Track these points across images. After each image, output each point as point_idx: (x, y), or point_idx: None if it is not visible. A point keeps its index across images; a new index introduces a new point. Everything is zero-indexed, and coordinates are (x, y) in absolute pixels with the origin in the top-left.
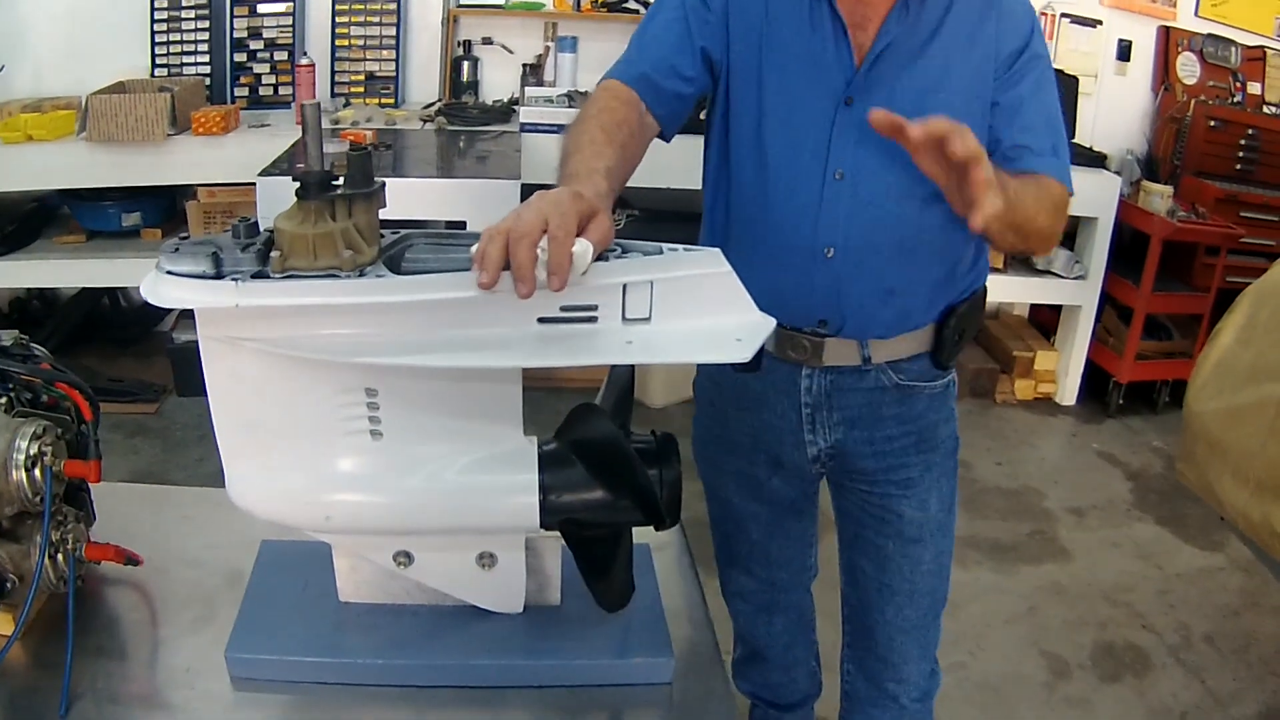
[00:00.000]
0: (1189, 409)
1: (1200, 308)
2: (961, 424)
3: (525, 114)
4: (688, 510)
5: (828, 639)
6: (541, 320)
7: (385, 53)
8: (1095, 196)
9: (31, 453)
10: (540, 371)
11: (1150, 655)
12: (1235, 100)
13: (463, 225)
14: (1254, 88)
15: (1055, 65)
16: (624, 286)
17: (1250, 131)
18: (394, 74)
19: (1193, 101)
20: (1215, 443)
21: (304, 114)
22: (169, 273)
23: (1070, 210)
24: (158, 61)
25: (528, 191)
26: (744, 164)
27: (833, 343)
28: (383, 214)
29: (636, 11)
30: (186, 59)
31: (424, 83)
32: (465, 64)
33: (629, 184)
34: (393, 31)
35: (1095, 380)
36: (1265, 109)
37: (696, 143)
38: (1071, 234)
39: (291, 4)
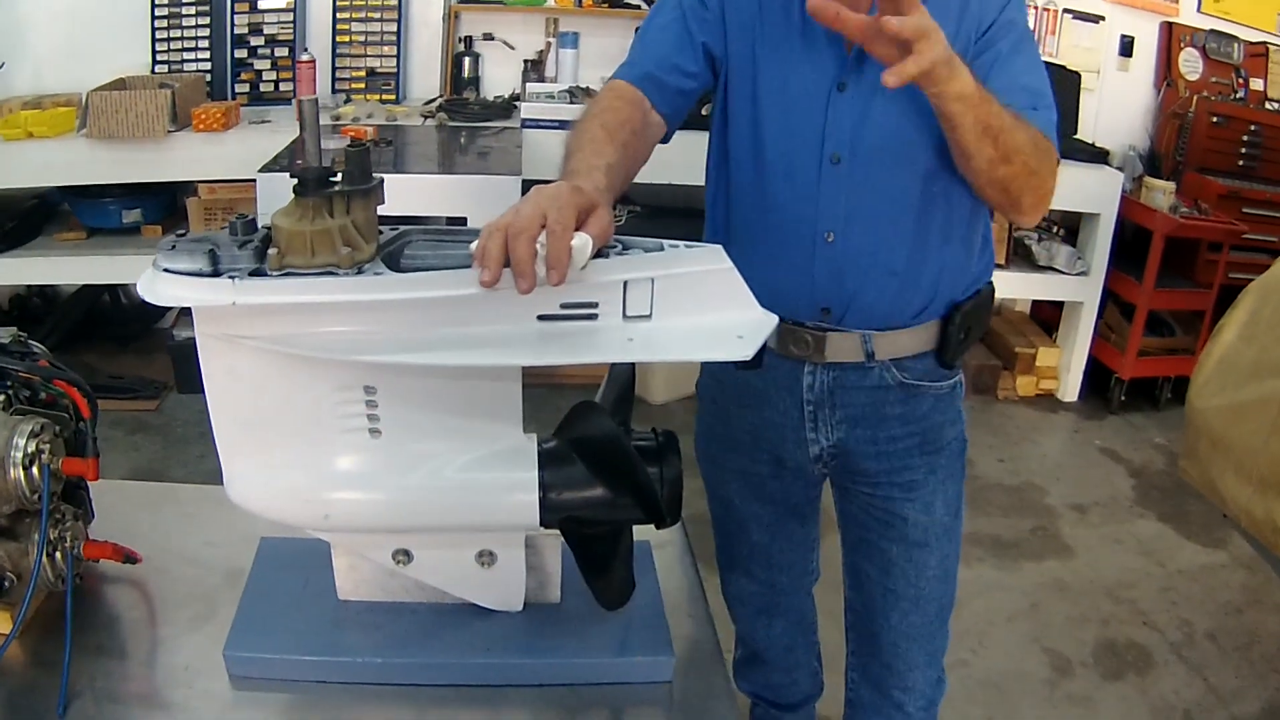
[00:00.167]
0: (1191, 406)
1: (1203, 304)
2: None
3: (526, 110)
4: (689, 508)
5: (831, 639)
6: (541, 318)
7: (386, 49)
8: (1097, 192)
9: (29, 450)
10: (541, 368)
11: (1152, 652)
12: (1238, 96)
13: (464, 221)
14: (1256, 84)
15: (1057, 61)
16: (625, 283)
17: (1253, 127)
18: (395, 70)
19: (1195, 97)
20: (1218, 439)
21: (301, 110)
22: (166, 270)
23: (1072, 206)
24: (158, 58)
25: (529, 187)
26: (742, 155)
27: (835, 337)
28: (383, 210)
29: (638, 7)
30: (187, 55)
31: (425, 79)
32: (466, 60)
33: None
34: (393, 27)
35: (1097, 377)
36: (1268, 105)
37: (699, 139)
38: (1074, 230)
39: (292, 0)
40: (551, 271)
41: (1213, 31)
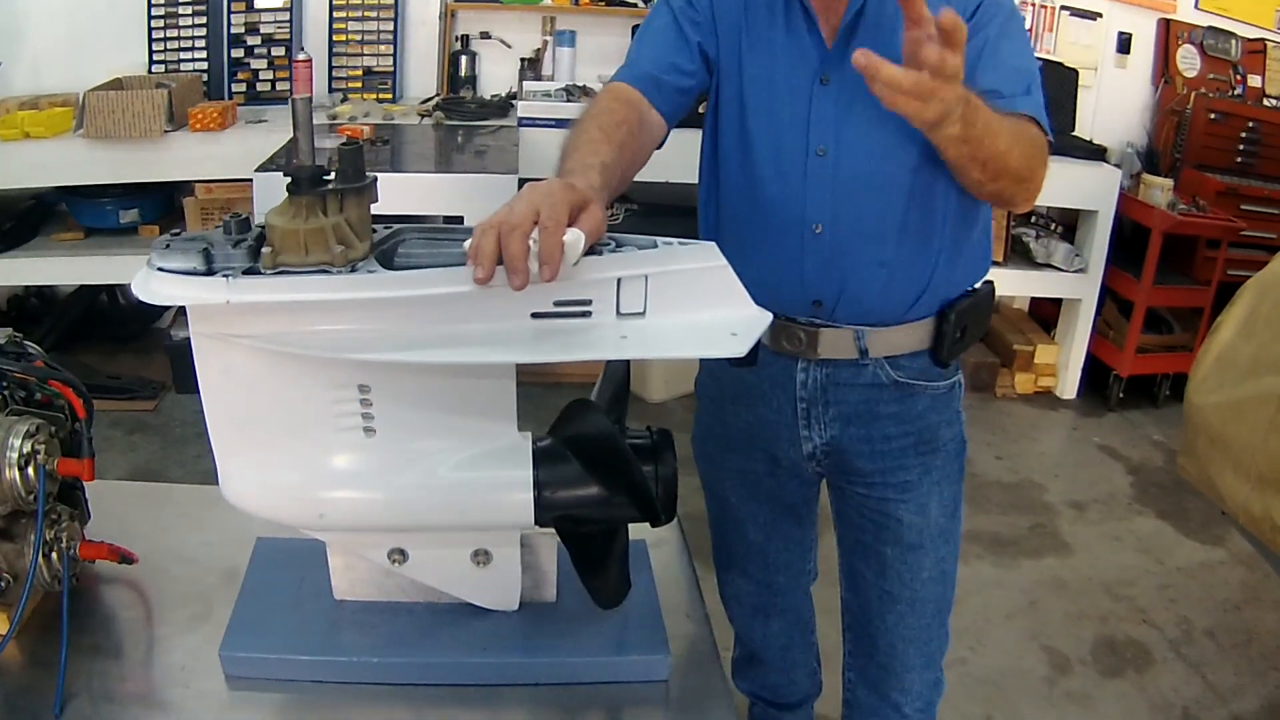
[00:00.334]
0: (1189, 403)
1: (1201, 301)
2: (965, 421)
3: (523, 108)
4: (685, 506)
5: (829, 638)
6: (535, 315)
7: (383, 48)
8: (1095, 190)
9: (25, 451)
10: (537, 366)
11: (1151, 650)
12: (1235, 93)
13: (460, 220)
14: (1254, 80)
15: (1055, 58)
16: (618, 281)
17: (1251, 124)
18: (392, 69)
19: (1193, 94)
20: (1216, 436)
21: (294, 109)
22: (160, 269)
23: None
24: (155, 58)
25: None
26: (731, 151)
27: (828, 333)
28: (380, 209)
29: (634, 5)
30: (184, 55)
31: (422, 78)
32: (463, 59)
33: None
34: (390, 26)
35: (1096, 374)
36: (1265, 102)
37: (695, 137)
38: (1072, 227)
39: (289, 0)
40: (544, 267)
41: (1210, 28)
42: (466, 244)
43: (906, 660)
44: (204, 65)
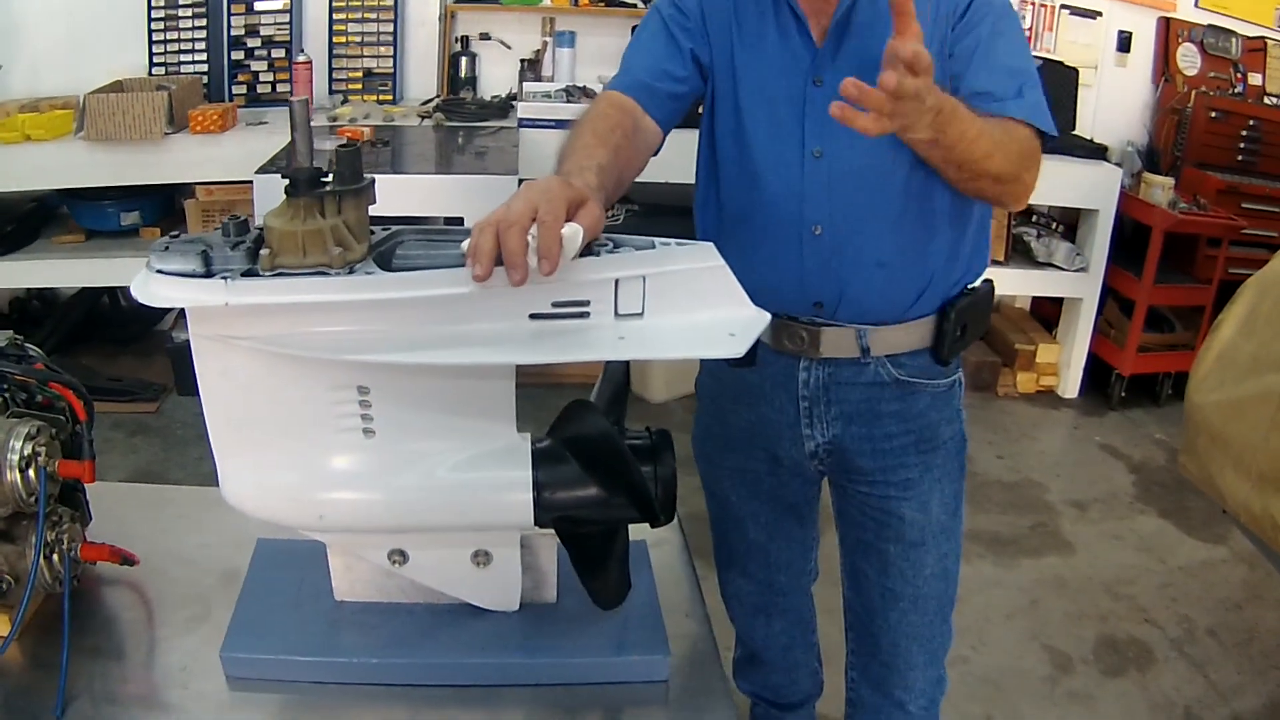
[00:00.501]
0: (1190, 401)
1: (1202, 299)
2: (966, 419)
3: (523, 109)
4: (686, 506)
5: (831, 637)
6: (533, 316)
7: (383, 49)
8: (1096, 188)
9: (26, 453)
10: (537, 367)
11: (1153, 649)
12: (1236, 91)
13: (460, 222)
14: (1255, 79)
15: (1055, 57)
16: (616, 281)
17: (1251, 122)
18: (392, 70)
19: (1193, 93)
20: (1217, 435)
21: (292, 111)
22: (159, 271)
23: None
24: (155, 60)
25: None
26: (730, 156)
27: (830, 332)
28: (381, 211)
29: (634, 5)
30: (184, 57)
31: (422, 79)
32: (463, 60)
33: None
34: (390, 28)
35: (1097, 373)
36: (1266, 100)
37: (695, 137)
38: (1073, 226)
39: (288, 1)
40: (543, 261)
41: (1210, 26)
42: (464, 244)
43: (910, 658)
44: (204, 67)
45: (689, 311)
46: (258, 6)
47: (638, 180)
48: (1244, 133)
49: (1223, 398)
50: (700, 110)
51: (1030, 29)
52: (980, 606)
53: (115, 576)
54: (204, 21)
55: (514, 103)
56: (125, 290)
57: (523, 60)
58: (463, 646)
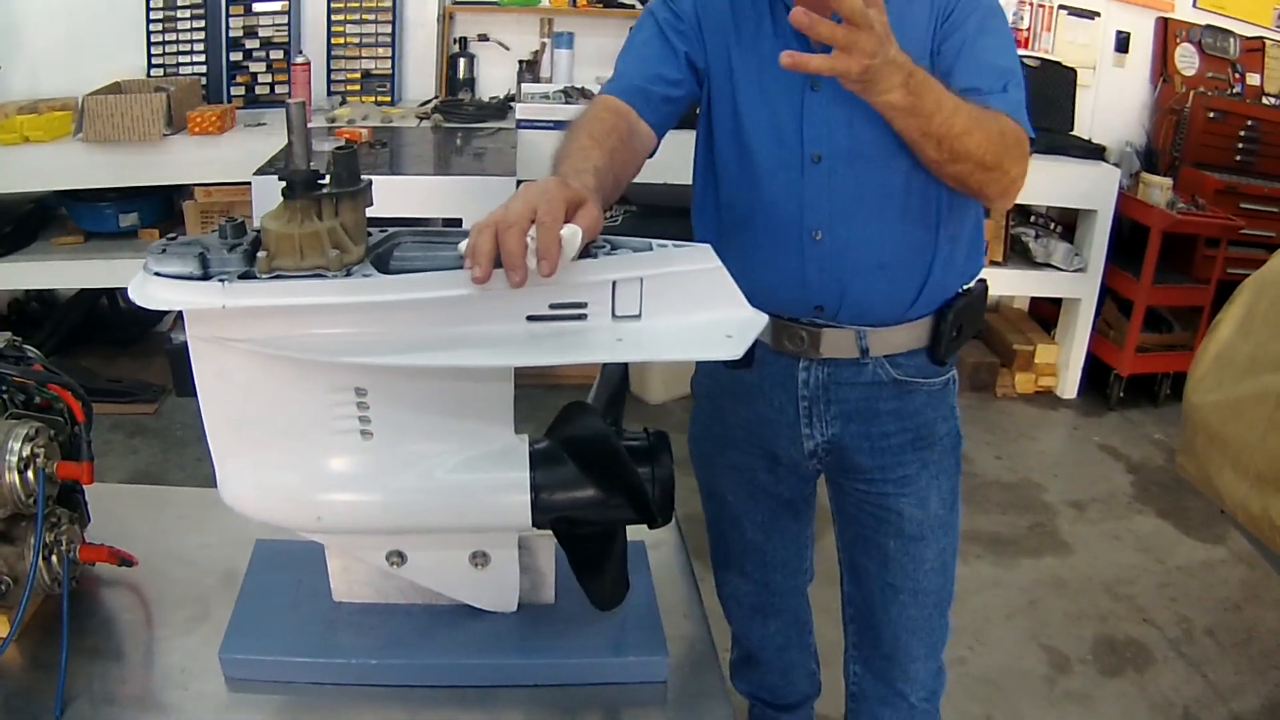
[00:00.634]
0: (1188, 401)
1: (1201, 300)
2: (962, 418)
3: (521, 110)
4: (684, 507)
5: (829, 637)
6: (531, 318)
7: (381, 50)
8: (1094, 189)
9: (24, 455)
10: (535, 369)
11: (1151, 649)
12: (1234, 91)
13: (459, 223)
14: (1253, 79)
15: (1053, 57)
16: (613, 283)
17: (1249, 123)
18: (390, 72)
19: (1191, 93)
20: (1215, 435)
21: (289, 113)
22: (156, 274)
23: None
24: (153, 61)
25: None
26: (729, 161)
27: (830, 333)
28: (379, 212)
29: (632, 7)
30: (182, 59)
31: (420, 80)
32: (461, 61)
33: None
34: (388, 29)
35: (1096, 373)
36: (1264, 100)
37: (693, 138)
38: (1071, 226)
39: (287, 3)
40: (542, 262)
41: (1209, 27)
42: (462, 245)
43: (910, 650)
44: (203, 69)
45: (686, 313)
46: (256, 8)
47: (636, 181)
48: (1242, 133)
49: (1220, 398)
50: (697, 111)
51: (1028, 29)
52: (979, 607)
53: (114, 577)
54: (202, 23)
55: (512, 104)
56: (124, 292)
57: (521, 61)
58: (461, 647)
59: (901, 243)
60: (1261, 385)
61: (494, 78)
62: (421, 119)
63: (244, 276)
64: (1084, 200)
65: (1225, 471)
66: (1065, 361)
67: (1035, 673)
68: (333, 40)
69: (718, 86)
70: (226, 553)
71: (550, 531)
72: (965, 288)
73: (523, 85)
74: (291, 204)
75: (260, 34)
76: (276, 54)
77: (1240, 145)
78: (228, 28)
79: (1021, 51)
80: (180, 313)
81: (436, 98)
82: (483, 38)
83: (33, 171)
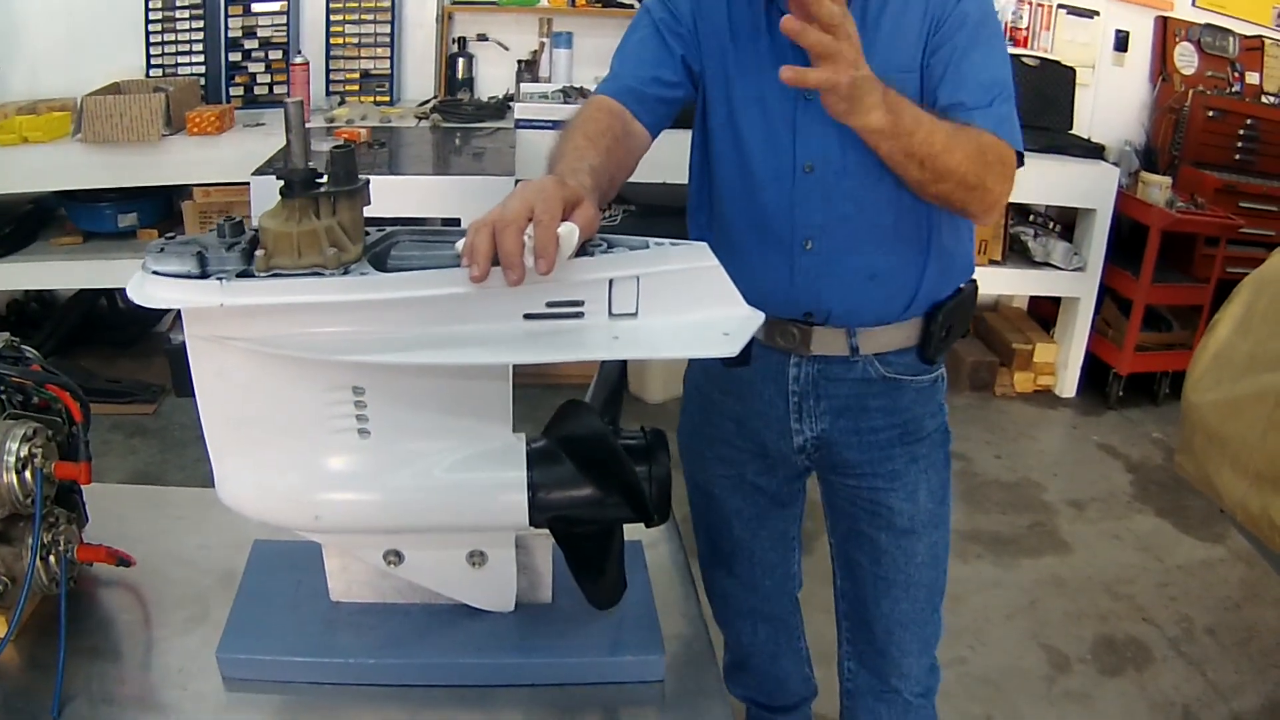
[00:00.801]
0: (1187, 400)
1: (1200, 298)
2: (961, 417)
3: (520, 110)
4: (682, 507)
5: (824, 637)
6: (528, 316)
7: (380, 50)
8: (1094, 188)
9: (22, 455)
10: (534, 368)
11: (1151, 648)
12: (1233, 90)
13: (457, 223)
14: (1252, 78)
15: (1052, 56)
16: (610, 281)
17: (1249, 121)
18: (389, 72)
19: (1191, 92)
20: (1214, 434)
21: (287, 112)
22: (155, 273)
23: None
24: (152, 62)
25: None
26: (726, 168)
27: (821, 331)
28: (378, 212)
29: (630, 6)
30: (181, 59)
31: (419, 80)
32: (460, 61)
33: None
34: (387, 29)
35: (1095, 372)
36: (1264, 99)
37: (689, 137)
38: (1070, 225)
39: (286, 3)
40: (540, 260)
41: (1208, 25)
42: (459, 244)
43: (903, 645)
44: (201, 69)
45: (683, 311)
46: (255, 8)
47: (634, 181)
48: (1241, 132)
49: (1219, 397)
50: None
51: (1027, 28)
52: (979, 606)
53: (112, 578)
54: (201, 23)
55: (511, 104)
56: (123, 292)
57: (520, 61)
58: (458, 647)
59: (892, 255)
60: (1260, 384)
61: (493, 77)
62: (420, 119)
63: (242, 275)
64: (1083, 199)
65: (1224, 470)
66: (1064, 360)
67: (1035, 672)
68: (331, 40)
69: (713, 91)
70: (225, 553)
71: (548, 530)
72: (956, 289)
73: (521, 85)
74: (289, 203)
75: (259, 34)
76: (275, 54)
77: (1239, 144)
78: (226, 28)
79: (1020, 50)
80: (179, 313)
81: (435, 97)
82: (482, 38)
83: (32, 172)
